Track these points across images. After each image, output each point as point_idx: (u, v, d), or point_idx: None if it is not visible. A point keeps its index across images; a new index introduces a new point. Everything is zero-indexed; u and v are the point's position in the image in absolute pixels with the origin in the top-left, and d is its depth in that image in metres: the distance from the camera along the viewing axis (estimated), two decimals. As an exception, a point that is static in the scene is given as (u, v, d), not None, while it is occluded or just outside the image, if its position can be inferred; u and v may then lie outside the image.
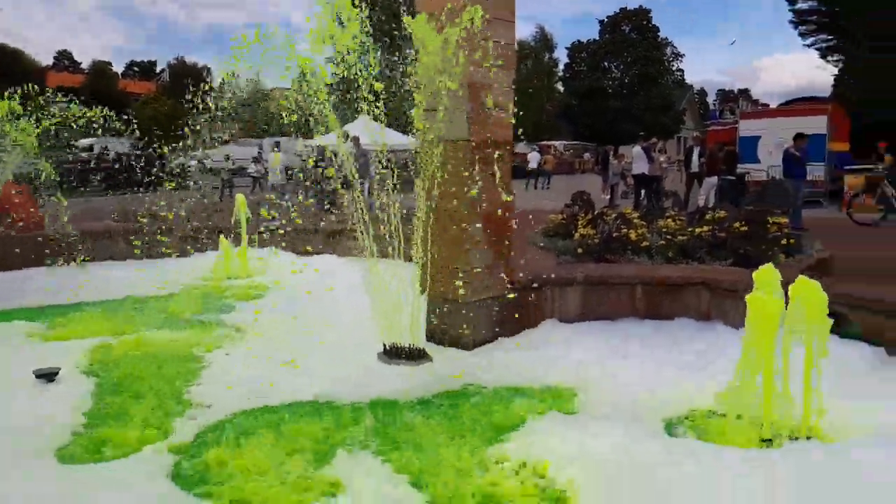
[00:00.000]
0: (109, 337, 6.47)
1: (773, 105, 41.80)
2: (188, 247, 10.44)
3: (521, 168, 34.30)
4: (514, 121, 6.37)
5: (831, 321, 4.00)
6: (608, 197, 21.33)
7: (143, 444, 4.11)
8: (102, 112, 8.42)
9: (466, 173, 5.89)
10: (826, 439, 3.94)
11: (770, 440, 3.96)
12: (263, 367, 5.45)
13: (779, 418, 4.05)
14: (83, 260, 9.55)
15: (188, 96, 6.20)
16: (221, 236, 10.10)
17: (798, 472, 3.31)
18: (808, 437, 3.97)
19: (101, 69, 58.27)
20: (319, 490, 3.55)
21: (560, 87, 65.68)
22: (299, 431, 4.24)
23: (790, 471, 3.32)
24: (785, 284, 4.01)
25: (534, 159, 35.07)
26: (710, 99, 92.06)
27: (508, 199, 6.17)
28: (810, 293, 3.93)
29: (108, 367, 5.65)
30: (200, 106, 6.15)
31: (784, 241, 8.00)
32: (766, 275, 4.00)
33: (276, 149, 22.74)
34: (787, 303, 3.99)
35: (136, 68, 76.70)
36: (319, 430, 4.27)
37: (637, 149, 18.97)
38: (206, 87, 6.24)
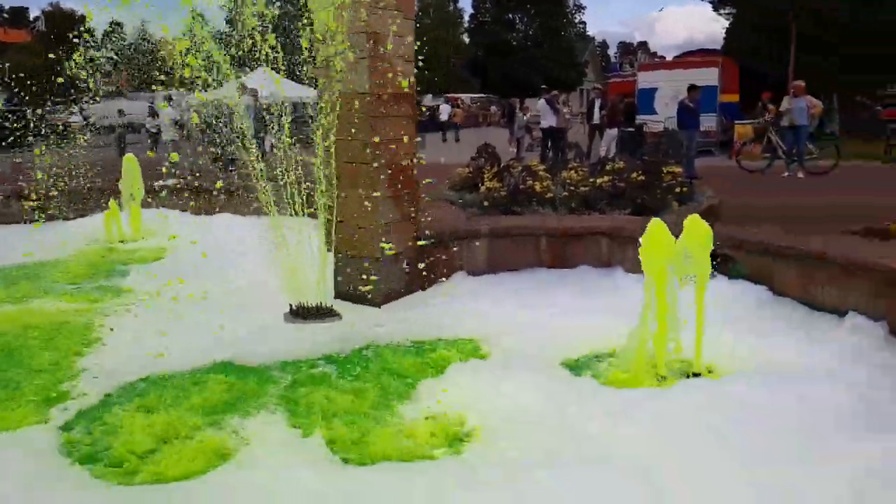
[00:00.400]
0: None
1: (669, 57, 42.98)
2: (77, 209, 9.93)
3: (433, 121, 34.26)
4: (416, 72, 6.31)
5: (713, 260, 4.24)
6: (514, 150, 21.57)
7: (29, 420, 3.89)
8: None
9: (369, 127, 5.82)
10: (713, 375, 4.22)
11: (665, 378, 4.21)
12: (161, 332, 5.20)
13: (672, 357, 4.31)
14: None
15: (66, 45, 5.72)
16: (112, 199, 9.62)
17: (684, 406, 3.56)
18: (698, 374, 4.25)
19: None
20: (220, 455, 3.48)
21: (466, 38, 65.37)
22: (201, 397, 4.13)
23: (678, 406, 3.57)
24: (676, 232, 4.23)
25: (445, 111, 34.90)
26: (612, 52, 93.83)
27: (413, 151, 6.16)
28: (698, 229, 4.17)
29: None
30: (78, 56, 5.74)
31: (678, 190, 8.38)
32: (655, 229, 4.19)
33: (168, 103, 21.69)
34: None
35: (5, 14, 70.82)
36: (222, 393, 4.18)
37: (542, 102, 19.21)
38: (85, 35, 5.80)
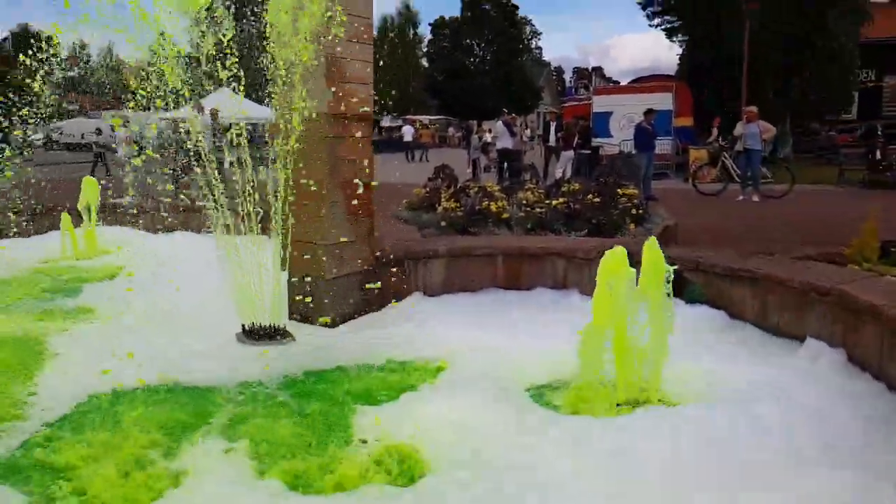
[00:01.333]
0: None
1: (624, 82, 43.84)
2: (33, 226, 9.77)
3: (396, 141, 34.88)
4: (373, 93, 6.28)
5: (669, 282, 4.20)
6: (470, 171, 21.66)
7: None
8: None
9: (325, 146, 5.75)
10: (670, 402, 4.16)
11: (623, 404, 4.15)
12: (110, 352, 4.99)
13: (630, 382, 4.25)
14: None
15: (26, 63, 5.63)
16: (64, 214, 9.38)
17: (640, 434, 3.50)
18: (660, 400, 4.19)
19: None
20: (164, 482, 3.31)
21: (424, 62, 65.99)
22: (146, 420, 3.94)
23: (634, 434, 3.51)
24: (632, 255, 4.19)
25: (408, 132, 35.70)
26: (567, 76, 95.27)
27: (369, 172, 6.10)
28: (653, 254, 4.13)
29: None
30: (40, 75, 5.61)
31: (634, 212, 8.43)
32: (615, 256, 4.14)
33: (124, 122, 21.31)
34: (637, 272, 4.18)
35: (-30, 35, 69.84)
36: (168, 417, 4.00)
37: (499, 124, 19.39)
38: (51, 53, 5.69)
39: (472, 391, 4.26)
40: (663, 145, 23.04)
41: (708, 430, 3.51)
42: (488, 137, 24.12)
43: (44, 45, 5.31)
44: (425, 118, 53.49)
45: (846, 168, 20.12)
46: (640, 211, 8.61)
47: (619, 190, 9.18)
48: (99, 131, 23.13)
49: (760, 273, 5.43)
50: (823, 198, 16.32)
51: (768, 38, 25.28)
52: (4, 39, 62.75)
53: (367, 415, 4.05)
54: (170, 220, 10.24)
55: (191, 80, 5.22)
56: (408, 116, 49.37)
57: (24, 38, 52.14)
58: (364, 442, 3.76)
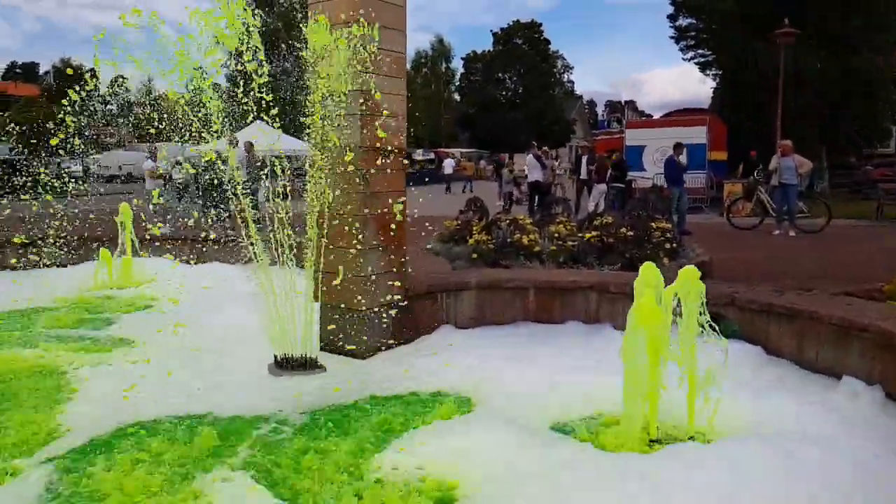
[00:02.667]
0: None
1: (657, 116, 43.81)
2: (72, 256, 9.97)
3: (431, 173, 35.65)
4: (406, 127, 6.34)
5: (703, 311, 4.14)
6: (501, 203, 21.69)
7: (9, 475, 3.73)
8: None
9: (359, 179, 5.82)
10: (705, 439, 4.08)
11: (657, 441, 4.07)
12: (143, 382, 5.12)
13: (665, 419, 4.17)
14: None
15: (69, 98, 5.81)
16: (103, 247, 9.61)
17: (673, 473, 3.42)
18: (692, 438, 4.11)
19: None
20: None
21: (457, 96, 66.70)
22: (177, 450, 3.98)
23: (668, 473, 3.43)
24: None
25: (448, 165, 36.34)
26: (600, 110, 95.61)
27: (401, 205, 6.15)
28: (691, 281, 4.08)
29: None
30: (81, 108, 5.78)
31: (668, 245, 8.35)
32: (648, 273, 4.11)
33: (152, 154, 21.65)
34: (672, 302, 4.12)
35: (18, 70, 72.61)
36: (198, 447, 4.03)
37: (530, 157, 19.42)
38: (90, 88, 5.86)
39: (501, 425, 4.23)
40: (698, 179, 22.90)
41: (742, 468, 3.42)
42: (516, 170, 24.24)
43: (86, 79, 5.45)
44: (456, 151, 53.88)
45: (884, 203, 19.75)
46: (674, 245, 8.53)
47: (652, 224, 9.12)
48: (176, 163, 23.27)
49: (798, 309, 5.33)
50: (861, 233, 16.01)
51: (803, 71, 25.11)
52: (46, 73, 64.96)
53: (396, 448, 4.03)
54: (205, 250, 10.40)
55: (227, 114, 5.34)
56: (439, 149, 49.74)
57: (65, 71, 53.99)
58: (386, 473, 3.74)
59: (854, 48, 25.93)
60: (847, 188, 27.71)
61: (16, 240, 9.44)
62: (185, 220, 7.83)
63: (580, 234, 8.79)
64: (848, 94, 26.68)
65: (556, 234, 8.84)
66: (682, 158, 16.12)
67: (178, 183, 20.39)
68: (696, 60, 37.11)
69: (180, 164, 21.69)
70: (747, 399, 4.53)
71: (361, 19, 5.46)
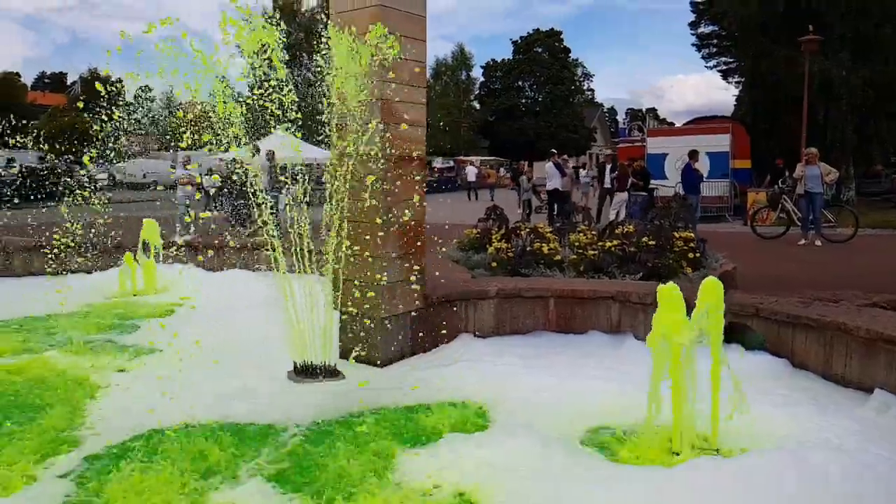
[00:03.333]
0: (-4, 360, 6.00)
1: (678, 124, 43.54)
2: (96, 263, 10.08)
3: (452, 180, 36.10)
4: (425, 136, 6.34)
5: (724, 323, 4.06)
6: (521, 211, 21.61)
7: (29, 480, 3.76)
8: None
9: (378, 187, 5.81)
10: (729, 452, 4.01)
11: (679, 453, 4.00)
12: (166, 389, 5.06)
13: (687, 431, 4.10)
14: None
15: (95, 108, 5.88)
16: (127, 253, 9.69)
17: (696, 486, 3.35)
18: (717, 450, 4.04)
19: (8, 80, 56.10)
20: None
21: (477, 104, 66.72)
22: (200, 456, 3.98)
23: (691, 486, 3.36)
24: (689, 301, 4.08)
25: (472, 173, 36.76)
26: (621, 118, 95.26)
27: (421, 212, 6.13)
28: (714, 292, 4.02)
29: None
30: (108, 117, 5.84)
31: (690, 255, 8.24)
32: (669, 293, 4.04)
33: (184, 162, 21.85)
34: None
35: (47, 80, 74.02)
36: (220, 453, 4.03)
37: (549, 165, 19.34)
38: (119, 98, 5.92)
39: (520, 435, 4.18)
40: (721, 187, 22.69)
41: (767, 482, 3.34)
42: (534, 178, 24.22)
43: (114, 88, 5.50)
44: (476, 159, 53.90)
45: (914, 212, 19.47)
46: (698, 254, 8.43)
47: (674, 233, 9.02)
48: (210, 171, 23.31)
49: (825, 321, 5.23)
50: (889, 243, 15.74)
51: (829, 79, 24.81)
52: (74, 83, 66.04)
53: (414, 457, 4.01)
54: (227, 258, 10.47)
55: (249, 122, 5.36)
56: (458, 158, 49.75)
57: (92, 82, 54.87)
58: (407, 481, 3.71)
59: (886, 58, 25.54)
60: (875, 197, 27.30)
61: (53, 249, 9.51)
62: (210, 227, 7.89)
63: (601, 243, 8.71)
64: (876, 102, 26.29)
65: (577, 243, 8.77)
66: (699, 166, 16.02)
67: (208, 190, 20.56)
68: (718, 68, 36.93)
69: (211, 172, 21.90)
70: (772, 412, 4.45)
71: (383, 29, 5.46)
